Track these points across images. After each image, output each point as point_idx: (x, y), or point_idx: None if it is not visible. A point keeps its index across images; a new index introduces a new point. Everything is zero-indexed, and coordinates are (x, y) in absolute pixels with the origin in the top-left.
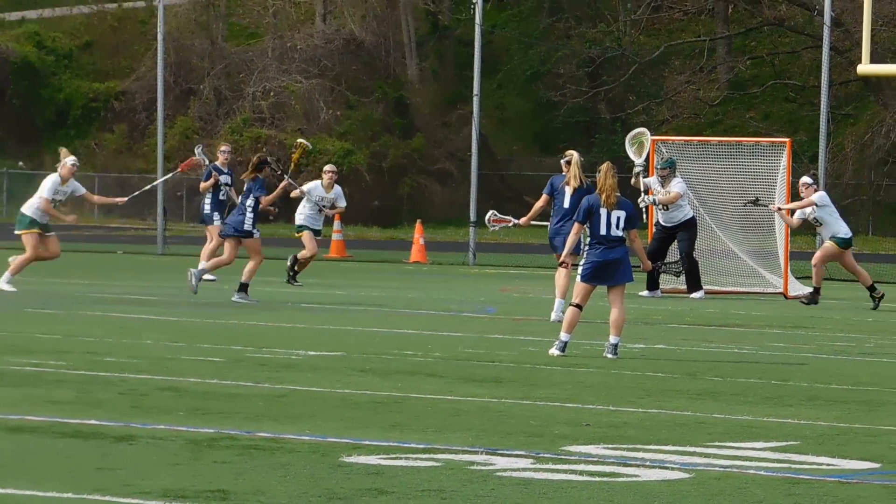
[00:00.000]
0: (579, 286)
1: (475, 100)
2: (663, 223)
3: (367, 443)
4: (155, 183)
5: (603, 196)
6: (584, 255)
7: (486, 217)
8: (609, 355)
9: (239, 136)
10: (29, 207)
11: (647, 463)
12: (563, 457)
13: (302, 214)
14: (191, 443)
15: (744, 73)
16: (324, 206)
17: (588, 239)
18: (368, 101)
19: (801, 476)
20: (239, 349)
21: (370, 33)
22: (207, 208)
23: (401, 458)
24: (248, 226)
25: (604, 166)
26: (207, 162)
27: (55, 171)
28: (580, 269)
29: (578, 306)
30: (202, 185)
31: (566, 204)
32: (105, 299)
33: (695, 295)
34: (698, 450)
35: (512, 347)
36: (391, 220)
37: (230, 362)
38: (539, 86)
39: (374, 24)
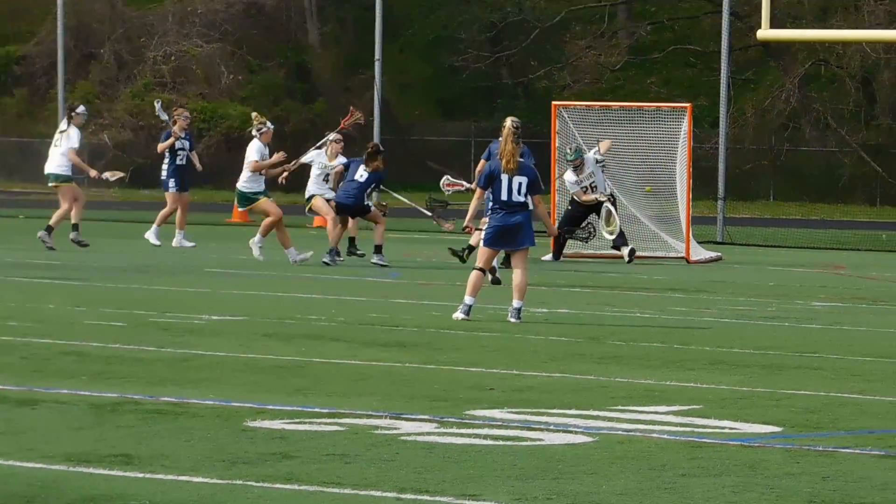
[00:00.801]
0: (482, 250)
1: (377, 65)
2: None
3: (270, 407)
4: (321, 142)
5: (503, 161)
6: (487, 220)
7: (441, 182)
8: (512, 319)
9: (140, 101)
10: (249, 181)
11: (551, 427)
12: (467, 421)
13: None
14: (94, 407)
15: (644, 39)
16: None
17: (491, 204)
18: (270, 66)
19: (703, 440)
20: (142, 313)
21: None
22: (164, 174)
23: (305, 423)
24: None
25: (504, 131)
26: (166, 118)
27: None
28: (483, 234)
29: (482, 270)
30: (160, 145)
31: None
32: (7, 263)
33: (625, 250)
34: (602, 413)
35: (416, 312)
36: (294, 185)
37: (133, 327)
38: (441, 51)
39: None
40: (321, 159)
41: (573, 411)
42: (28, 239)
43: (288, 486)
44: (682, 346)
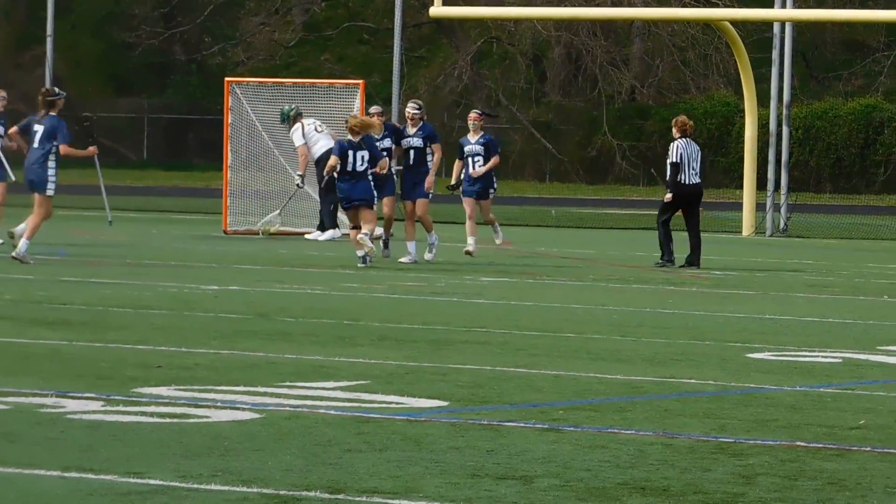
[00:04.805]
0: None
1: (48, 41)
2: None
3: None
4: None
5: None
6: None
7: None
8: None
9: None
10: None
11: (218, 404)
12: (133, 399)
13: None
14: None
15: (318, 16)
16: None
17: None
18: None
19: (370, 415)
20: None
21: None
22: None
23: None
24: None
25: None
26: None
27: None
28: None
29: None
30: None
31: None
32: None
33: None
34: (269, 390)
35: (85, 290)
36: None
37: None
38: (113, 27)
39: None
40: None
41: (241, 388)
42: None
43: None
44: (351, 321)
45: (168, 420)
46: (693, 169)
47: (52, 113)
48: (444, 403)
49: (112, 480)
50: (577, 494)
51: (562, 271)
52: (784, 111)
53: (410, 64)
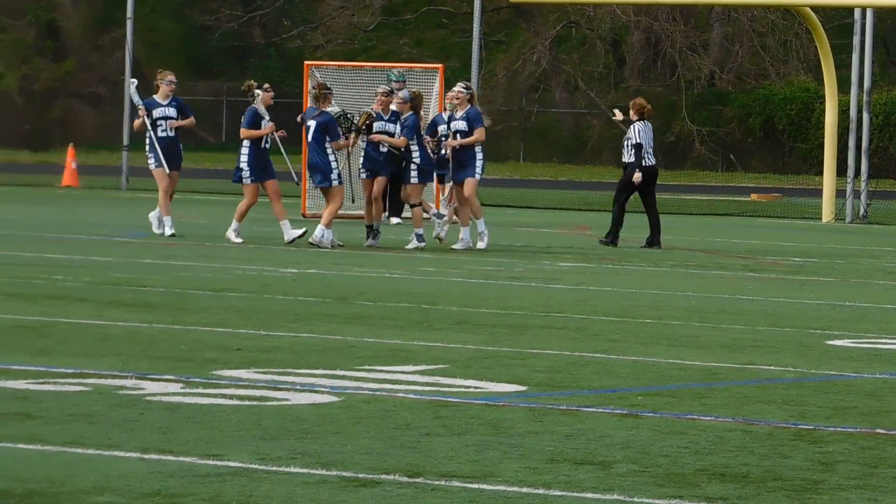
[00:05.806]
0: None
1: (128, 23)
2: None
3: (14, 368)
4: None
5: None
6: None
7: None
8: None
9: None
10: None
11: (297, 387)
12: (213, 381)
13: None
14: None
15: (397, 0)
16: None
17: None
18: (20, 24)
19: (448, 399)
20: None
21: None
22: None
23: (49, 383)
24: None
25: None
26: (139, 100)
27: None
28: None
29: None
30: (136, 123)
31: None
32: None
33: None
34: (348, 373)
35: (163, 272)
36: (42, 144)
37: None
38: (193, 10)
39: None
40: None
41: (319, 371)
42: None
43: (30, 447)
44: (429, 306)
45: (247, 402)
46: (649, 151)
47: (325, 108)
48: (523, 388)
49: (191, 462)
50: (656, 480)
51: (640, 257)
52: (864, 97)
53: (489, 48)
